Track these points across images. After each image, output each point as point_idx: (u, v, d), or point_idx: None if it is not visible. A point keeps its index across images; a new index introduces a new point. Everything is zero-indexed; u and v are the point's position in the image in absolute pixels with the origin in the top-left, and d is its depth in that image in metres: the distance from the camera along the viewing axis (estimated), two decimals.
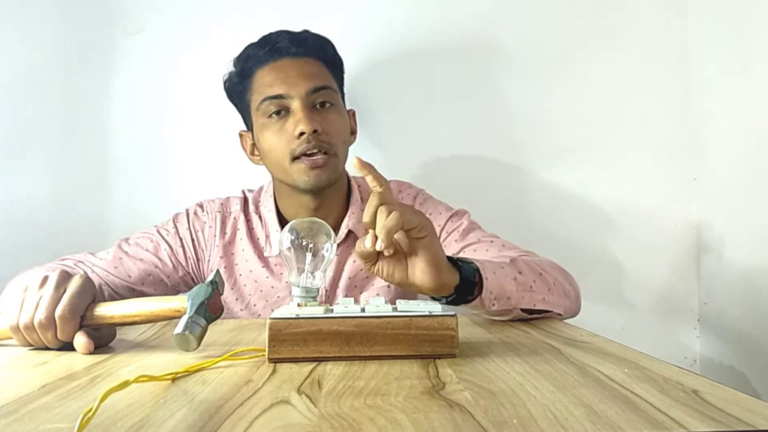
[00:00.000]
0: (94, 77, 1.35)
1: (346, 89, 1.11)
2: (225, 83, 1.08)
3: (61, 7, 1.35)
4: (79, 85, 1.35)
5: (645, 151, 1.37)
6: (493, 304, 0.79)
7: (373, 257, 0.69)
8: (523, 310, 0.84)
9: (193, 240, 1.07)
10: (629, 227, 1.36)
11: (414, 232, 0.67)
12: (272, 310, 0.64)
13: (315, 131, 0.96)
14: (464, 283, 0.75)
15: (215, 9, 1.37)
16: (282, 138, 0.98)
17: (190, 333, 0.63)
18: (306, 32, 1.06)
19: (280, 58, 1.01)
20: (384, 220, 0.65)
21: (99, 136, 1.36)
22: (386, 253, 0.67)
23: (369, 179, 0.69)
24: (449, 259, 0.74)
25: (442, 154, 1.37)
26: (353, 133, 1.10)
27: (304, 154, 0.97)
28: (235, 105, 1.09)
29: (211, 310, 0.67)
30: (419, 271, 0.70)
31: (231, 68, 1.06)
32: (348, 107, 1.11)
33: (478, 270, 0.77)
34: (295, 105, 0.98)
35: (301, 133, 0.96)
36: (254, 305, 1.06)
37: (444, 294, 0.74)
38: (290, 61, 1.01)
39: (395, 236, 0.67)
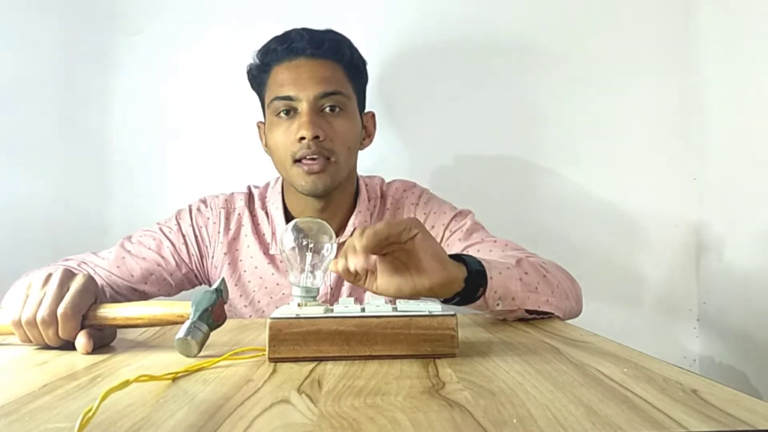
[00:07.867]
0: (94, 77, 1.36)
1: (370, 88, 1.10)
2: (248, 74, 1.08)
3: (61, 8, 1.35)
4: (79, 85, 1.35)
5: (645, 151, 1.37)
6: (498, 304, 0.80)
7: (360, 275, 0.70)
8: (527, 311, 0.85)
9: (196, 237, 1.07)
10: (629, 227, 1.37)
11: (404, 235, 0.68)
12: (276, 307, 0.64)
13: (316, 137, 0.96)
14: (472, 276, 0.75)
15: (214, 10, 1.37)
16: (286, 139, 0.99)
17: (192, 338, 0.63)
18: (326, 32, 1.04)
19: (295, 58, 1.01)
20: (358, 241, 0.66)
21: (99, 136, 1.36)
22: (358, 269, 0.67)
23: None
24: (453, 257, 0.75)
25: (446, 153, 1.37)
26: (369, 136, 1.10)
27: (304, 158, 0.98)
28: (257, 94, 1.10)
29: (214, 317, 0.67)
30: (423, 269, 0.69)
31: (254, 59, 1.06)
32: (369, 105, 1.10)
33: (483, 268, 0.77)
34: (302, 108, 0.98)
35: (302, 138, 0.96)
36: (258, 302, 1.06)
37: (455, 289, 0.74)
38: (305, 62, 1.00)
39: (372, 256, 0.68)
